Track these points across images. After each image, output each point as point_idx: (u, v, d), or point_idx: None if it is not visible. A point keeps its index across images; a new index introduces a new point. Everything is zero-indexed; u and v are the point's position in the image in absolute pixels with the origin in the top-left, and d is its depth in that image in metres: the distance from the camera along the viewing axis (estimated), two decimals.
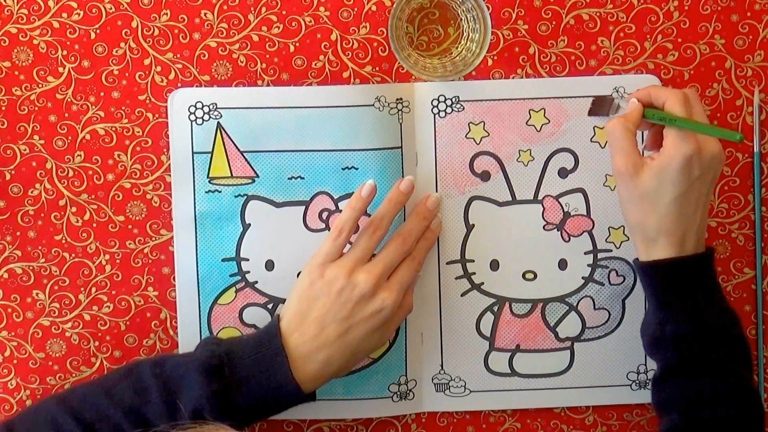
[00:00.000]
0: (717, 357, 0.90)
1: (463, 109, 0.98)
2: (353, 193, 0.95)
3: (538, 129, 0.99)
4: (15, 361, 0.99)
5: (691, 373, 0.90)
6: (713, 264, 0.92)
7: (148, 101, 0.98)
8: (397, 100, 0.97)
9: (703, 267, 0.91)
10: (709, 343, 0.90)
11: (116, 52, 0.97)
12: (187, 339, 0.99)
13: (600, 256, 1.00)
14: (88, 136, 0.98)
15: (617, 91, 0.98)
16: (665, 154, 0.88)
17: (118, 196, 0.98)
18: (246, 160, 0.97)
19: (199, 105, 0.97)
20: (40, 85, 0.97)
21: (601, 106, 0.97)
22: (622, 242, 0.99)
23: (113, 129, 0.98)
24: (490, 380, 1.00)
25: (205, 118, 0.97)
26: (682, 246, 0.90)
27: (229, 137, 0.97)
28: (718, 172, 0.91)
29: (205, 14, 0.97)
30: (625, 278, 1.00)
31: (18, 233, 0.98)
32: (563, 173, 0.99)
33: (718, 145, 0.89)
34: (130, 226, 0.99)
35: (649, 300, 0.93)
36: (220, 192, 0.98)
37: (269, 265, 0.98)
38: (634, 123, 0.91)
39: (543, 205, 0.99)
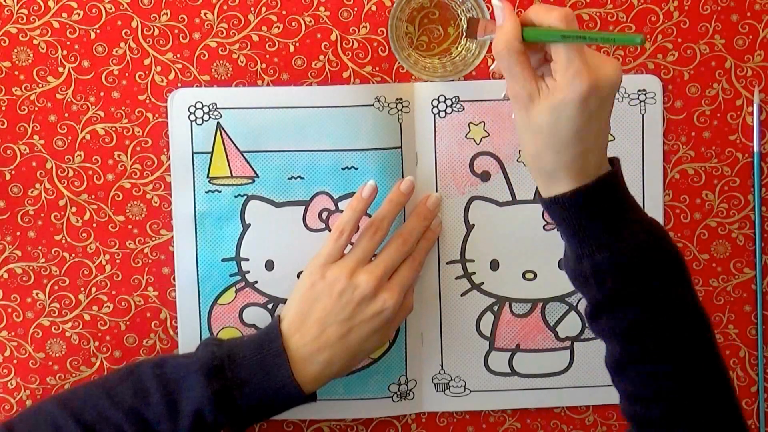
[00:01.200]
0: (645, 280, 0.81)
1: (463, 109, 0.98)
2: (353, 193, 0.95)
3: None
4: (15, 361, 0.99)
5: (621, 304, 0.81)
6: (620, 180, 0.83)
7: (148, 101, 0.98)
8: (397, 100, 0.97)
9: (609, 188, 0.82)
10: (633, 268, 0.81)
11: (116, 52, 0.97)
12: (187, 339, 0.99)
13: None
14: (88, 136, 0.98)
15: (618, 92, 0.98)
16: (558, 91, 0.78)
17: (118, 196, 0.98)
18: (246, 160, 0.97)
19: (199, 105, 0.97)
20: (40, 85, 0.97)
21: (470, 29, 0.90)
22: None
23: (113, 129, 0.98)
24: (490, 380, 1.00)
25: (204, 118, 0.97)
26: (584, 174, 0.81)
27: (229, 137, 0.97)
28: (615, 95, 0.81)
29: (205, 14, 0.97)
30: None
31: (18, 233, 0.98)
32: None
33: (614, 68, 0.79)
34: (130, 226, 0.99)
35: (561, 235, 0.85)
36: (220, 192, 0.98)
37: (269, 265, 0.98)
38: (516, 38, 0.79)
39: None
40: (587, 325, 0.86)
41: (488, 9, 0.93)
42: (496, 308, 1.00)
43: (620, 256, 0.81)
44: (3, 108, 0.97)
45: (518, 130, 0.83)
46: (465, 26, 0.95)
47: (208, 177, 0.98)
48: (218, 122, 0.97)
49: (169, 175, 0.98)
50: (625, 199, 0.83)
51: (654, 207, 0.99)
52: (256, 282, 0.99)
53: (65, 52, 0.97)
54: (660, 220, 0.99)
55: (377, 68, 0.98)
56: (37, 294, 0.99)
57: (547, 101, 0.79)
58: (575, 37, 0.77)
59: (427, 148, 0.99)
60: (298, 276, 0.95)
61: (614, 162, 0.83)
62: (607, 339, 0.84)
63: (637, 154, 0.98)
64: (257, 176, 0.98)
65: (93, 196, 0.98)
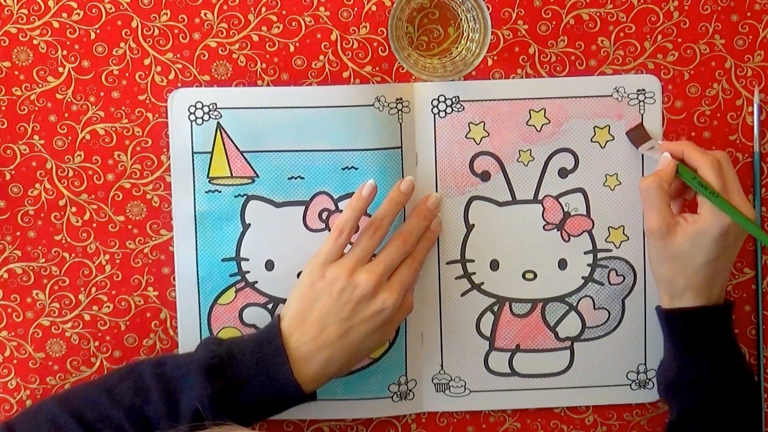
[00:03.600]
0: (733, 404, 0.93)
1: (463, 109, 0.98)
2: (353, 193, 0.95)
3: (538, 129, 0.99)
4: (15, 361, 0.99)
5: (707, 418, 0.93)
6: (732, 315, 0.95)
7: (148, 101, 0.98)
8: (397, 100, 0.97)
9: (725, 316, 0.94)
10: (727, 390, 0.93)
11: (116, 52, 0.97)
12: (187, 339, 0.99)
13: (600, 255, 1.00)
14: (88, 136, 0.98)
15: (617, 91, 0.98)
16: (703, 220, 0.91)
17: (118, 196, 0.98)
18: (246, 160, 0.97)
19: (199, 105, 0.97)
20: (40, 85, 0.97)
21: (637, 138, 0.97)
22: (621, 242, 0.99)
23: (113, 129, 0.98)
24: (490, 380, 1.00)
25: (205, 118, 0.97)
26: (708, 299, 0.93)
27: (229, 137, 0.97)
28: (746, 233, 0.94)
29: (205, 14, 0.97)
30: (624, 278, 1.00)
31: (18, 233, 0.98)
32: (563, 173, 0.99)
33: (752, 210, 0.92)
34: (130, 226, 0.99)
35: (669, 346, 0.95)
36: (220, 192, 0.98)
37: (269, 265, 0.98)
38: (668, 182, 0.93)
39: (543, 205, 0.99)
40: None
41: (488, 9, 0.93)
42: (496, 308, 1.00)
43: (721, 379, 0.92)
44: (3, 108, 0.97)
45: (651, 258, 0.95)
46: (633, 129, 0.98)
47: (208, 177, 0.98)
48: (218, 122, 0.97)
49: (169, 175, 0.98)
50: (732, 334, 0.95)
51: None
52: (256, 282, 0.99)
53: (65, 52, 0.97)
54: None
55: (377, 68, 0.98)
56: (37, 294, 0.99)
57: (687, 231, 0.91)
58: (720, 201, 0.90)
59: (427, 148, 0.99)
60: (298, 276, 0.95)
61: (728, 302, 0.95)
62: None
63: (637, 154, 0.98)
64: (257, 176, 0.98)
65: (93, 196, 0.98)
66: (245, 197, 0.98)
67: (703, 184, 0.91)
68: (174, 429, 0.84)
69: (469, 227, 0.99)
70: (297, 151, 0.97)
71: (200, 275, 0.98)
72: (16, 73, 0.97)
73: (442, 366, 1.00)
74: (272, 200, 0.98)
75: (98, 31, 0.97)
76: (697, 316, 0.93)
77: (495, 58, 0.98)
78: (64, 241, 0.98)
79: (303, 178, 0.97)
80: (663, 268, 0.94)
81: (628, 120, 0.98)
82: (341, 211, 0.96)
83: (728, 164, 0.93)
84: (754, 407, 0.95)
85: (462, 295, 1.00)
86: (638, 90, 0.98)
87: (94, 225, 0.98)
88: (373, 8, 0.98)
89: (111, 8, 0.97)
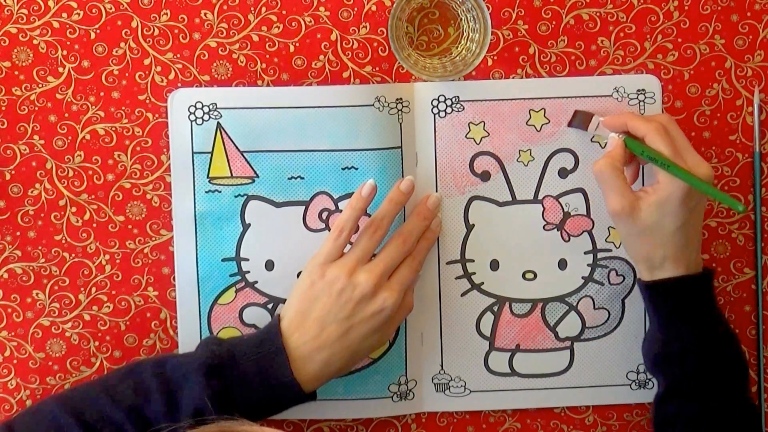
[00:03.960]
0: (721, 372, 0.92)
1: (463, 109, 0.98)
2: (353, 193, 0.95)
3: (538, 129, 0.99)
4: (15, 361, 0.99)
5: (694, 390, 0.92)
6: (712, 283, 0.95)
7: (148, 101, 0.98)
8: (397, 100, 0.97)
9: (707, 285, 0.94)
10: (713, 359, 0.92)
11: (116, 52, 0.97)
12: (187, 339, 0.99)
13: (600, 255, 1.00)
14: (88, 136, 0.98)
15: (617, 91, 0.98)
16: (663, 188, 0.90)
17: (118, 196, 0.98)
18: (246, 160, 0.97)
19: (199, 105, 0.97)
20: (40, 85, 0.97)
21: (582, 120, 0.97)
22: (621, 242, 0.99)
23: (113, 129, 0.98)
24: (490, 380, 1.00)
25: (204, 118, 0.97)
26: (687, 266, 0.93)
27: (229, 137, 0.97)
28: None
29: (205, 14, 0.97)
30: (624, 278, 1.00)
31: (18, 233, 0.98)
32: (563, 173, 0.99)
33: (707, 169, 0.90)
34: (130, 226, 0.99)
35: (652, 318, 0.95)
36: (220, 192, 0.98)
37: (269, 265, 0.98)
38: (620, 161, 0.92)
39: (543, 205, 0.99)
40: (650, 413, 0.98)
41: (488, 9, 0.93)
42: (496, 308, 1.00)
43: (706, 348, 0.92)
44: (3, 108, 0.97)
45: (623, 238, 0.95)
46: (572, 118, 0.98)
47: (208, 177, 0.98)
48: (218, 122, 0.97)
49: (169, 175, 0.98)
50: (714, 301, 0.95)
51: None
52: (256, 282, 0.99)
53: (65, 52, 0.97)
54: None
55: (377, 68, 0.98)
56: (37, 294, 0.99)
57: (651, 202, 0.90)
58: (673, 167, 0.89)
59: (427, 148, 0.99)
60: (298, 276, 0.95)
61: (708, 269, 0.95)
62: (668, 427, 0.94)
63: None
64: (257, 176, 0.98)
65: (93, 196, 0.98)
66: (245, 197, 0.98)
67: (653, 154, 0.90)
68: (177, 424, 0.84)
69: (469, 227, 0.99)
70: (297, 151, 0.97)
71: (200, 275, 0.98)
72: (16, 73, 0.97)
73: (442, 366, 1.00)
74: (272, 200, 0.98)
75: (98, 31, 0.97)
76: (678, 285, 0.92)
77: (495, 58, 0.98)
78: (64, 241, 0.98)
79: (303, 178, 0.97)
80: (636, 244, 0.93)
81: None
82: (341, 211, 0.96)
83: (674, 126, 0.92)
84: (740, 373, 0.94)
85: (462, 295, 1.00)
86: (638, 90, 0.98)
87: (94, 225, 0.98)
88: (373, 8, 0.98)
89: (111, 8, 0.97)
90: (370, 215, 0.95)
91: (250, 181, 0.98)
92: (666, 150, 0.90)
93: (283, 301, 0.97)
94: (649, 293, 0.94)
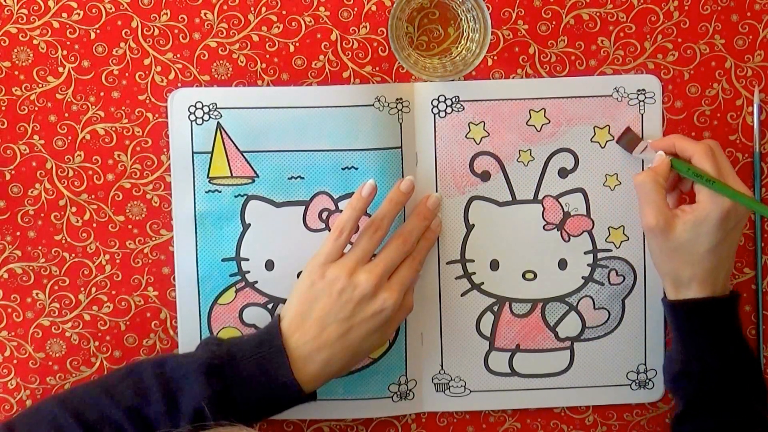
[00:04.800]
0: (740, 394, 0.93)
1: (463, 109, 0.98)
2: (353, 193, 0.95)
3: (538, 129, 0.99)
4: (15, 361, 0.99)
5: (714, 409, 0.93)
6: (738, 306, 0.95)
7: (148, 101, 0.98)
8: (397, 100, 0.97)
9: (730, 308, 0.94)
10: (733, 380, 0.93)
11: (116, 52, 0.97)
12: (187, 339, 0.99)
13: (600, 255, 1.00)
14: (88, 136, 0.98)
15: (617, 91, 0.98)
16: (702, 207, 0.91)
17: (118, 196, 0.98)
18: (246, 160, 0.97)
19: (199, 105, 0.97)
20: (40, 85, 0.97)
21: (629, 143, 0.98)
22: (621, 242, 0.99)
23: (113, 129, 0.98)
24: (490, 380, 1.00)
25: (204, 118, 0.97)
26: (714, 288, 0.93)
27: (229, 137, 0.97)
28: (746, 217, 0.95)
29: (205, 14, 0.97)
30: (624, 278, 1.00)
31: (18, 233, 0.98)
32: (563, 173, 0.99)
33: (749, 193, 0.92)
34: (130, 226, 0.99)
35: (676, 337, 0.95)
36: (220, 192, 0.98)
37: (269, 265, 0.98)
38: (663, 177, 0.93)
39: (543, 205, 0.99)
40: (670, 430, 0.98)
41: (488, 9, 0.93)
42: (496, 308, 1.00)
43: (727, 370, 0.92)
44: (3, 108, 0.97)
45: (653, 253, 0.95)
46: (622, 135, 0.98)
47: (208, 177, 0.98)
48: (218, 122, 0.97)
49: (169, 175, 0.98)
50: (738, 323, 0.95)
51: None
52: (256, 282, 0.99)
53: (65, 52, 0.97)
54: None
55: (377, 68, 0.98)
56: (37, 294, 0.99)
57: (689, 219, 0.91)
58: (718, 185, 0.90)
59: (427, 148, 0.99)
60: (298, 276, 0.95)
61: (734, 293, 0.95)
62: None
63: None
64: (257, 176, 0.98)
65: (93, 196, 0.98)
66: (245, 197, 0.98)
67: (699, 173, 0.91)
68: (176, 429, 0.84)
69: (469, 227, 0.99)
70: (297, 151, 0.97)
71: (200, 275, 0.98)
72: (16, 73, 0.97)
73: (442, 366, 1.00)
74: (272, 200, 0.98)
75: (98, 31, 0.97)
76: (702, 306, 0.93)
77: (495, 58, 0.98)
78: (64, 241, 0.98)
79: (303, 178, 0.97)
80: (666, 261, 0.94)
81: (628, 120, 0.98)
82: (341, 211, 0.96)
83: (720, 151, 0.93)
84: (760, 398, 0.95)
85: (462, 295, 1.00)
86: (638, 90, 0.98)
87: (94, 225, 0.98)
88: (373, 8, 0.98)
89: (111, 8, 0.97)
90: (370, 215, 0.95)
91: (250, 181, 0.98)
92: (712, 170, 0.91)
93: (283, 301, 0.97)
94: (673, 311, 0.94)
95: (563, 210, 0.99)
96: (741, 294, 0.96)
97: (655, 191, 0.92)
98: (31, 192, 0.98)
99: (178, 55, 0.97)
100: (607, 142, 0.98)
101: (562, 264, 0.99)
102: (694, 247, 0.91)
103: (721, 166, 0.92)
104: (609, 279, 1.00)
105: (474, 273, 1.00)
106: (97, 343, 0.99)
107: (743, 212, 0.92)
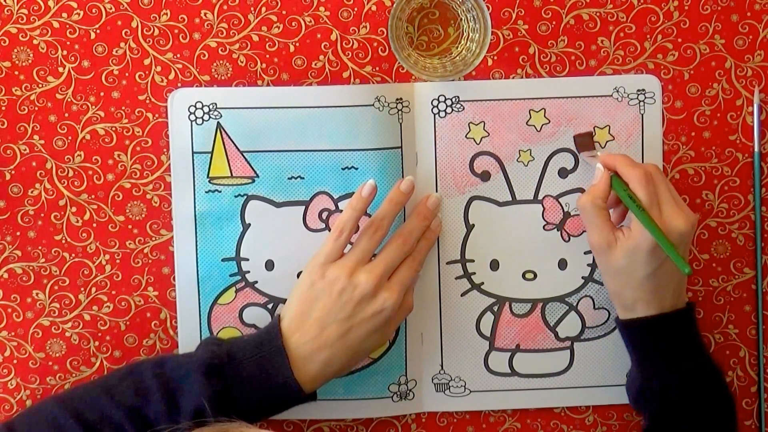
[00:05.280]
0: (703, 408, 0.92)
1: (463, 109, 0.98)
2: (353, 193, 0.95)
3: (538, 129, 0.99)
4: (15, 361, 0.99)
5: (678, 424, 0.92)
6: (694, 317, 0.95)
7: (148, 101, 0.98)
8: (397, 100, 0.97)
9: (684, 321, 0.93)
10: (694, 395, 0.92)
11: (116, 52, 0.97)
12: (187, 339, 0.99)
13: None
14: (88, 136, 0.98)
15: (617, 91, 0.98)
16: (633, 236, 0.90)
17: (118, 196, 0.98)
18: (246, 160, 0.97)
19: (199, 105, 0.97)
20: (40, 85, 0.97)
21: (582, 144, 0.98)
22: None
23: (113, 129, 0.98)
24: (490, 380, 1.00)
25: (204, 118, 0.97)
26: (661, 306, 0.92)
27: (229, 137, 0.97)
28: (691, 239, 0.93)
29: (205, 14, 0.97)
30: None
31: (18, 233, 0.98)
32: (563, 173, 0.99)
33: (684, 220, 0.90)
34: (130, 226, 0.99)
35: (631, 355, 0.95)
36: (220, 192, 0.98)
37: (269, 265, 0.98)
38: (602, 198, 0.92)
39: (543, 205, 0.99)
40: None
41: (488, 9, 0.93)
42: (496, 308, 1.00)
43: (686, 381, 0.92)
44: (3, 108, 0.97)
45: (600, 270, 0.96)
46: (583, 134, 0.98)
47: (208, 177, 0.98)
48: (218, 122, 0.97)
49: (169, 175, 0.98)
50: (695, 333, 0.94)
51: None
52: (256, 282, 0.99)
53: (65, 52, 0.97)
54: None
55: (377, 68, 0.98)
56: (37, 294, 0.99)
57: (623, 247, 0.91)
58: (644, 217, 0.89)
59: (427, 148, 0.99)
60: (298, 276, 0.95)
61: (689, 304, 0.95)
62: None
63: (637, 153, 0.99)
64: (257, 176, 0.98)
65: (93, 196, 0.98)
66: (245, 197, 0.98)
67: (633, 197, 0.91)
68: (177, 426, 0.84)
69: (469, 227, 0.99)
70: (297, 151, 0.97)
71: (200, 275, 0.98)
72: (16, 73, 0.97)
73: (442, 366, 1.00)
74: (272, 200, 0.98)
75: (98, 31, 0.97)
76: (652, 323, 0.92)
77: (495, 58, 0.98)
78: (64, 241, 0.98)
79: (303, 178, 0.97)
80: (610, 282, 0.94)
81: (628, 120, 0.98)
82: (341, 211, 0.96)
83: (659, 176, 0.92)
84: (724, 408, 0.94)
85: (462, 295, 1.00)
86: (638, 90, 0.98)
87: (94, 225, 0.98)
88: (373, 8, 0.98)
89: (111, 8, 0.97)
90: (370, 215, 0.95)
91: (250, 181, 0.98)
92: (644, 198, 0.90)
93: (283, 301, 0.97)
94: (625, 330, 0.94)
95: (563, 210, 0.99)
96: (693, 305, 0.95)
97: (596, 213, 0.92)
98: (31, 192, 0.98)
99: (178, 55, 0.97)
100: (607, 142, 0.98)
101: (562, 264, 0.99)
102: (633, 273, 0.91)
103: (658, 194, 0.91)
104: None
105: (474, 273, 1.00)
106: (97, 343, 0.99)
107: (677, 239, 0.89)
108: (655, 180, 0.91)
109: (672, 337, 0.92)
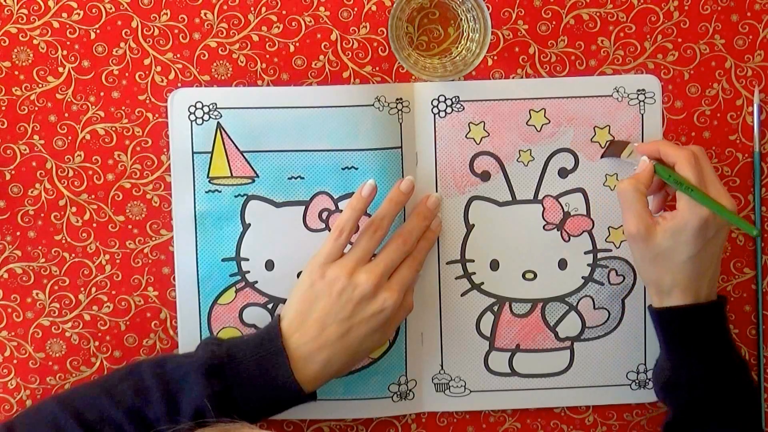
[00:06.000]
0: (729, 404, 0.92)
1: (463, 109, 0.98)
2: (353, 193, 0.95)
3: (538, 129, 0.99)
4: (15, 361, 0.99)
5: (704, 417, 0.92)
6: (726, 311, 0.94)
7: (148, 101, 0.98)
8: (397, 100, 0.97)
9: (717, 314, 0.93)
10: (722, 387, 0.92)
11: (116, 52, 0.97)
12: (187, 339, 0.99)
13: (600, 255, 1.00)
14: (88, 136, 0.98)
15: (617, 91, 0.98)
16: (680, 216, 0.90)
17: (118, 196, 0.98)
18: (246, 160, 0.97)
19: (199, 105, 0.97)
20: (40, 85, 0.97)
21: (616, 149, 0.98)
22: (621, 242, 0.99)
23: (113, 129, 0.98)
24: (490, 380, 1.00)
25: (204, 118, 0.97)
26: (697, 296, 0.92)
27: (229, 137, 0.97)
28: (728, 227, 0.93)
29: (205, 14, 0.97)
30: (624, 278, 1.00)
31: (18, 233, 0.98)
32: (563, 173, 0.99)
33: (730, 202, 0.91)
34: (130, 226, 0.99)
35: (662, 345, 0.95)
36: (220, 192, 0.98)
37: (269, 265, 0.98)
38: (645, 184, 0.92)
39: (543, 205, 0.99)
40: None
41: (488, 9, 0.93)
42: (496, 308, 1.00)
43: (715, 377, 0.92)
44: (3, 108, 0.97)
45: (635, 261, 0.95)
46: (607, 148, 0.98)
47: (208, 177, 0.98)
48: (218, 122, 0.97)
49: (169, 175, 0.98)
50: (726, 326, 0.94)
51: None
52: (256, 282, 0.99)
53: (65, 52, 0.97)
54: None
55: (377, 68, 0.98)
56: (37, 294, 0.99)
57: (667, 228, 0.90)
58: (696, 194, 0.89)
59: (427, 148, 0.99)
60: (298, 276, 0.95)
61: (721, 298, 0.95)
62: None
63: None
64: (257, 176, 0.98)
65: (93, 196, 0.98)
66: (245, 197, 0.98)
67: (679, 180, 0.91)
68: (177, 426, 0.84)
69: (469, 227, 0.99)
70: (297, 151, 0.97)
71: (200, 275, 0.98)
72: (16, 73, 0.97)
73: (442, 366, 1.00)
74: (272, 200, 0.98)
75: (98, 31, 0.97)
76: (685, 313, 0.92)
77: (495, 58, 0.98)
78: (64, 241, 0.98)
79: (303, 178, 0.97)
80: (648, 269, 0.93)
81: (628, 120, 0.98)
82: (341, 211, 0.96)
83: (704, 157, 0.93)
84: (751, 404, 0.94)
85: (462, 295, 1.00)
86: (638, 90, 0.98)
87: (94, 225, 0.98)
88: (373, 8, 0.98)
89: (111, 8, 0.97)
90: (370, 215, 0.95)
91: (250, 181, 0.98)
92: (693, 177, 0.91)
93: (283, 301, 0.97)
94: (658, 319, 0.94)
95: (563, 210, 0.99)
96: (726, 299, 0.95)
97: (636, 199, 0.91)
98: (31, 192, 0.98)
99: (178, 55, 0.97)
100: (607, 142, 0.98)
101: (562, 264, 0.99)
102: (674, 255, 0.91)
103: (704, 174, 0.91)
104: (609, 279, 1.00)
105: (474, 273, 1.00)
106: (97, 343, 0.99)
107: (723, 222, 0.91)
108: (700, 160, 0.92)
109: (704, 330, 0.92)
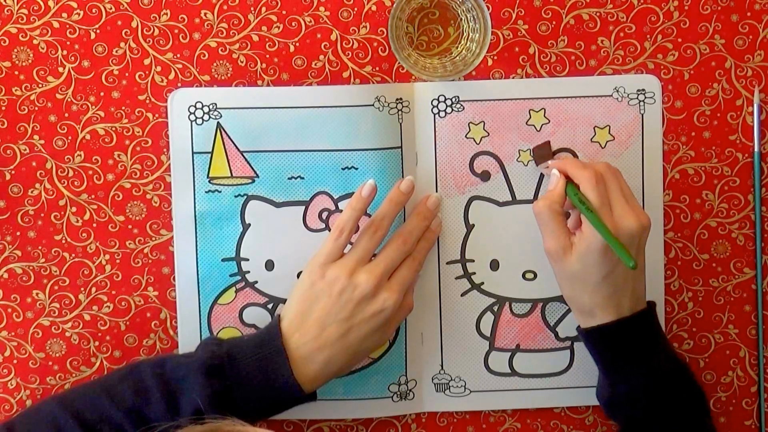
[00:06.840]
0: (674, 408, 0.92)
1: (463, 109, 0.98)
2: (353, 193, 0.95)
3: (538, 129, 0.99)
4: (15, 361, 0.99)
5: (652, 426, 0.92)
6: (655, 316, 0.93)
7: (148, 101, 0.98)
8: (397, 100, 0.97)
9: (645, 323, 0.92)
10: (662, 396, 0.91)
11: (116, 52, 0.97)
12: (187, 339, 0.99)
13: None
14: (88, 136, 0.98)
15: (617, 91, 0.98)
16: (584, 238, 0.89)
17: (118, 196, 0.98)
18: (246, 160, 0.97)
19: (199, 105, 0.97)
20: (40, 85, 0.97)
21: (541, 155, 0.97)
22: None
23: (113, 129, 0.98)
24: (490, 380, 1.00)
25: (204, 118, 0.97)
26: (619, 311, 0.91)
27: (229, 137, 0.97)
28: (643, 240, 0.91)
29: (205, 14, 0.97)
30: None
31: (18, 233, 0.98)
32: None
33: (635, 220, 0.89)
34: (130, 226, 0.99)
35: (597, 364, 0.94)
36: (220, 192, 0.98)
37: (269, 265, 0.98)
38: (558, 203, 0.92)
39: None
40: None
41: (488, 9, 0.93)
42: (496, 308, 1.00)
43: (652, 382, 0.91)
44: (3, 108, 0.97)
45: (556, 276, 0.94)
46: (540, 145, 0.98)
47: (208, 177, 0.98)
48: (218, 122, 0.97)
49: (169, 175, 0.98)
50: (657, 333, 0.93)
51: (654, 207, 0.99)
52: (256, 282, 0.99)
53: (65, 52, 0.97)
54: (660, 220, 0.99)
55: (377, 68, 0.98)
56: (37, 294, 0.99)
57: (577, 251, 0.90)
58: (591, 217, 0.88)
59: (427, 148, 0.99)
60: (298, 276, 0.95)
61: (650, 303, 0.93)
62: None
63: (637, 154, 0.99)
64: (257, 176, 0.98)
65: (93, 196, 0.98)
66: (245, 197, 0.98)
67: (582, 200, 0.90)
68: (167, 423, 0.84)
69: (469, 227, 0.99)
70: (297, 151, 0.97)
71: (200, 275, 0.98)
72: (16, 73, 0.97)
73: (442, 366, 1.00)
74: (272, 200, 0.98)
75: (98, 31, 0.97)
76: (611, 331, 0.91)
77: (495, 58, 0.98)
78: (64, 241, 0.98)
79: (303, 178, 0.97)
80: (566, 289, 0.93)
81: (628, 120, 0.98)
82: (341, 211, 0.96)
83: (612, 176, 0.91)
84: (695, 404, 0.93)
85: (462, 295, 1.00)
86: (638, 90, 0.98)
87: (94, 225, 0.98)
88: (373, 8, 0.98)
89: (111, 8, 0.97)
90: (370, 215, 0.95)
91: (250, 181, 0.98)
92: (593, 198, 0.90)
93: (283, 301, 0.97)
94: (587, 340, 0.93)
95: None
96: (651, 306, 0.93)
97: (551, 218, 0.91)
98: (31, 192, 0.98)
99: (178, 55, 0.97)
100: (607, 142, 0.98)
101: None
102: (587, 277, 0.90)
103: (609, 193, 0.90)
104: None
105: (474, 273, 1.00)
106: (97, 343, 0.99)
107: (628, 239, 0.89)
108: (606, 180, 0.91)
109: (633, 341, 0.91)
